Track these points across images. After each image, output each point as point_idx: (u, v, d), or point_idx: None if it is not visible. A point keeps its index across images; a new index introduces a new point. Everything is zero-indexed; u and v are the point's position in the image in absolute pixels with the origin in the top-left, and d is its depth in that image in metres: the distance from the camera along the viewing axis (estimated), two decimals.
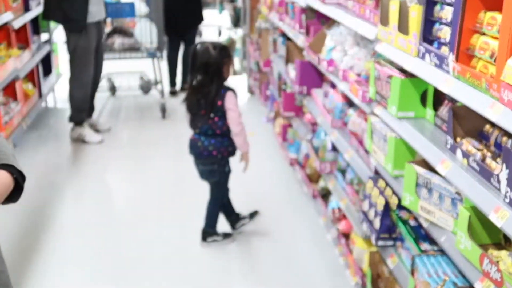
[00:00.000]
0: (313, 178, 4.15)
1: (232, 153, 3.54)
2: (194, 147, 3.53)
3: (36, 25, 5.93)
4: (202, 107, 3.41)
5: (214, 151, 3.47)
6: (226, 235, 3.69)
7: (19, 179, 1.58)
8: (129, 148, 5.39)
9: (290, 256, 3.54)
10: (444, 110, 2.33)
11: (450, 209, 2.09)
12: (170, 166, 4.88)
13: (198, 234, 3.67)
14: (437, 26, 2.19)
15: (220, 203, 3.68)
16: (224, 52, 3.40)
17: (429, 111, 2.44)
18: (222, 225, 3.74)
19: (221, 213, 3.73)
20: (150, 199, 4.27)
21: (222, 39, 7.94)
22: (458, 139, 2.05)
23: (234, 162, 3.62)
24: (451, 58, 1.97)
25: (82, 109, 5.44)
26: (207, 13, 11.50)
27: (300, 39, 4.16)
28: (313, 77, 4.12)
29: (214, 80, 3.38)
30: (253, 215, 3.81)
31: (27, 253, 3.54)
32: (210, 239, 3.66)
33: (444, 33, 2.13)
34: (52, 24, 6.28)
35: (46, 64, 6.17)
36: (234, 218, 3.78)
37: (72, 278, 3.33)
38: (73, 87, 5.39)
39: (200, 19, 7.04)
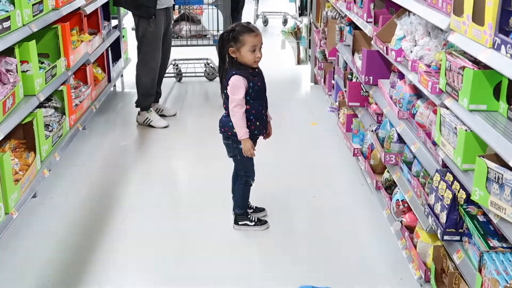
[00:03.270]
0: (377, 169, 4.09)
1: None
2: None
3: (106, 11, 6.07)
4: (222, 86, 3.53)
5: (222, 128, 3.58)
6: (258, 221, 3.70)
7: None
8: (193, 134, 5.46)
9: (352, 248, 3.51)
10: None
11: None
12: None
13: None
14: None
15: (243, 181, 3.68)
16: (226, 35, 3.42)
17: (503, 104, 2.37)
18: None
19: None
20: (214, 183, 4.32)
21: (288, 28, 7.91)
22: None
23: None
24: None
25: (149, 94, 5.54)
26: (275, 1, 11.51)
27: (368, 29, 4.11)
28: (380, 67, 4.06)
29: (222, 61, 3.49)
30: (261, 222, 3.73)
31: (94, 234, 3.64)
32: (241, 222, 3.69)
33: None
34: (122, 10, 6.41)
35: (115, 49, 6.31)
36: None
37: (136, 259, 3.41)
38: (141, 72, 5.49)
39: None
